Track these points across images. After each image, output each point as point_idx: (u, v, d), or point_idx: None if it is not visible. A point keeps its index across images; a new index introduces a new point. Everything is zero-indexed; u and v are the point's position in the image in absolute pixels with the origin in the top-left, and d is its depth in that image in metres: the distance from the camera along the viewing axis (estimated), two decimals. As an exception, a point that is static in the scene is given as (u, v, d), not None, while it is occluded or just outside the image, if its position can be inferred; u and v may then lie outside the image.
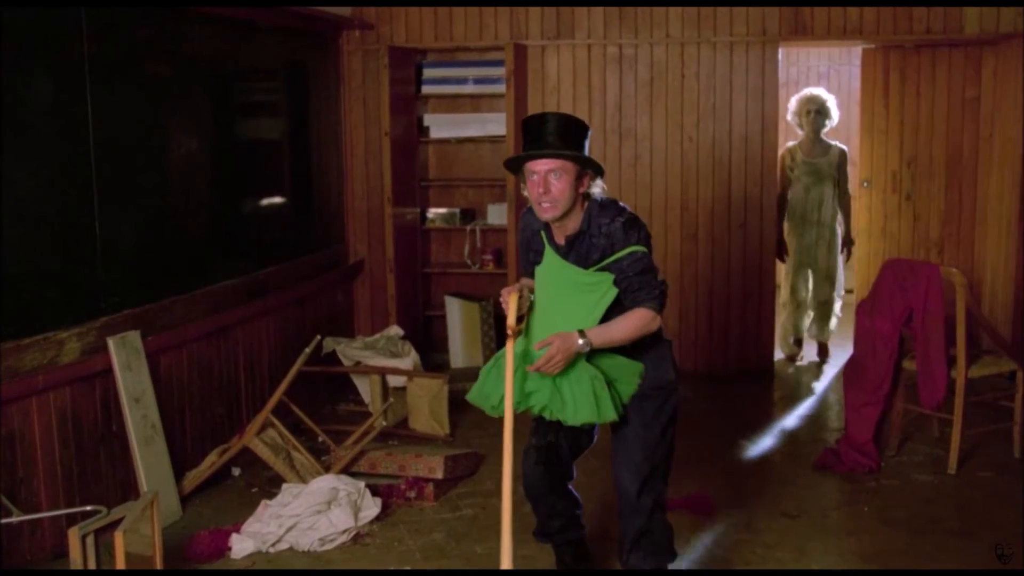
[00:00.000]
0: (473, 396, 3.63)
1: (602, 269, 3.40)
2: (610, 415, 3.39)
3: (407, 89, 7.11)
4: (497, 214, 7.17)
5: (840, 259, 7.27)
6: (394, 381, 6.04)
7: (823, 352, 7.51)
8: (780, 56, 6.93)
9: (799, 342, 7.47)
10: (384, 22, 7.14)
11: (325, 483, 4.57)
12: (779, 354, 7.42)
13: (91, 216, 4.36)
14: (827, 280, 7.22)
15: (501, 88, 6.93)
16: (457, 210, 7.29)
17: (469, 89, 7.18)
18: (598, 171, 3.44)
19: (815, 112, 7.11)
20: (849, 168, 7.23)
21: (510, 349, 3.38)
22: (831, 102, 7.18)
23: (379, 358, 6.13)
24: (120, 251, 4.55)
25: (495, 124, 7.13)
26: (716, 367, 7.10)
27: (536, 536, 4.00)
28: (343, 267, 7.13)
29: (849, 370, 5.48)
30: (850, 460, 5.18)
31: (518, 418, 3.40)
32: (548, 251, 3.52)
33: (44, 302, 4.13)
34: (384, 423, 5.31)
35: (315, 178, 6.72)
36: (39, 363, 4.05)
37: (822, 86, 10.30)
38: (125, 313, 4.59)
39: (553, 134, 3.33)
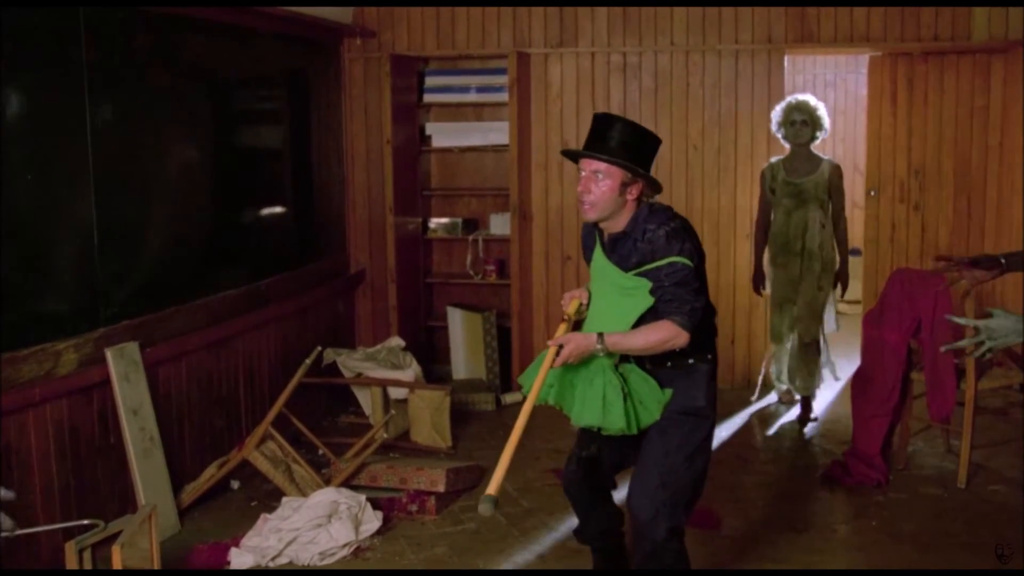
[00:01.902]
0: (523, 378, 3.66)
1: (640, 275, 3.39)
2: (616, 425, 3.37)
3: (409, 97, 7.12)
4: (500, 224, 7.17)
5: (831, 296, 6.20)
6: (395, 393, 6.03)
7: (806, 410, 6.29)
8: (786, 64, 6.94)
9: (790, 390, 6.55)
10: (386, 29, 7.16)
11: (325, 496, 4.57)
12: (773, 396, 6.77)
13: (89, 225, 4.37)
14: (813, 319, 6.12)
15: (504, 97, 6.94)
16: (459, 220, 7.29)
17: (472, 98, 7.18)
18: (653, 186, 3.46)
19: (800, 123, 6.06)
20: (856, 177, 7.14)
21: (550, 356, 3.35)
22: (821, 110, 6.12)
23: (380, 369, 6.13)
24: (118, 261, 4.56)
25: (498, 133, 7.13)
26: (722, 377, 7.07)
27: (575, 535, 4.01)
28: (344, 277, 7.13)
29: (856, 382, 5.47)
30: (858, 473, 5.17)
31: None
32: (598, 249, 3.57)
33: (41, 313, 4.14)
34: (385, 435, 5.30)
35: (316, 187, 6.72)
36: (36, 375, 4.05)
37: (829, 94, 10.33)
38: (123, 324, 4.59)
39: (615, 138, 3.36)
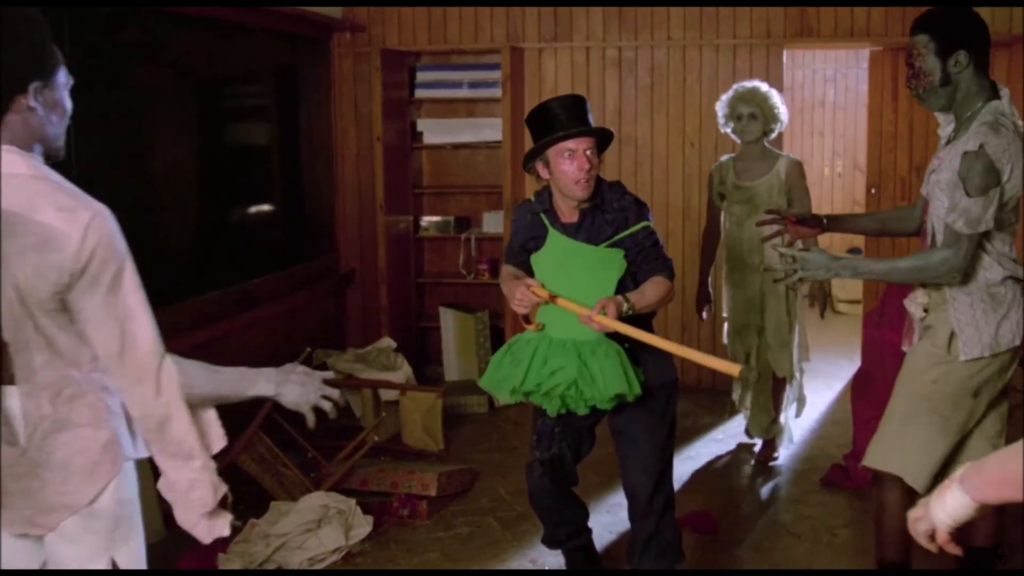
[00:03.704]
0: (486, 382, 3.68)
1: (614, 244, 3.54)
2: (636, 388, 3.48)
3: (400, 93, 7.11)
4: (493, 222, 7.17)
5: (799, 322, 5.40)
6: (386, 395, 6.03)
7: (767, 449, 5.61)
8: (785, 59, 6.94)
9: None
10: (376, 24, 7.16)
11: (315, 501, 4.56)
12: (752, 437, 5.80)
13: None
14: (782, 349, 5.35)
15: (497, 92, 6.94)
16: (451, 218, 7.29)
17: (464, 93, 7.18)
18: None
19: (748, 116, 5.22)
20: (856, 175, 7.10)
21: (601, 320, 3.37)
22: (773, 99, 5.27)
23: (371, 371, 6.12)
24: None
25: (491, 129, 7.13)
26: (721, 378, 7.08)
27: (545, 543, 4.07)
28: (334, 277, 7.12)
29: (857, 383, 5.47)
30: (859, 476, 5.16)
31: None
32: (553, 234, 3.62)
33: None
34: (376, 438, 5.30)
35: (305, 185, 6.72)
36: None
37: (829, 90, 10.33)
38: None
39: (582, 113, 3.53)
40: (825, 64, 10.32)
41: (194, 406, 2.43)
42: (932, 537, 1.93)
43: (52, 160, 2.38)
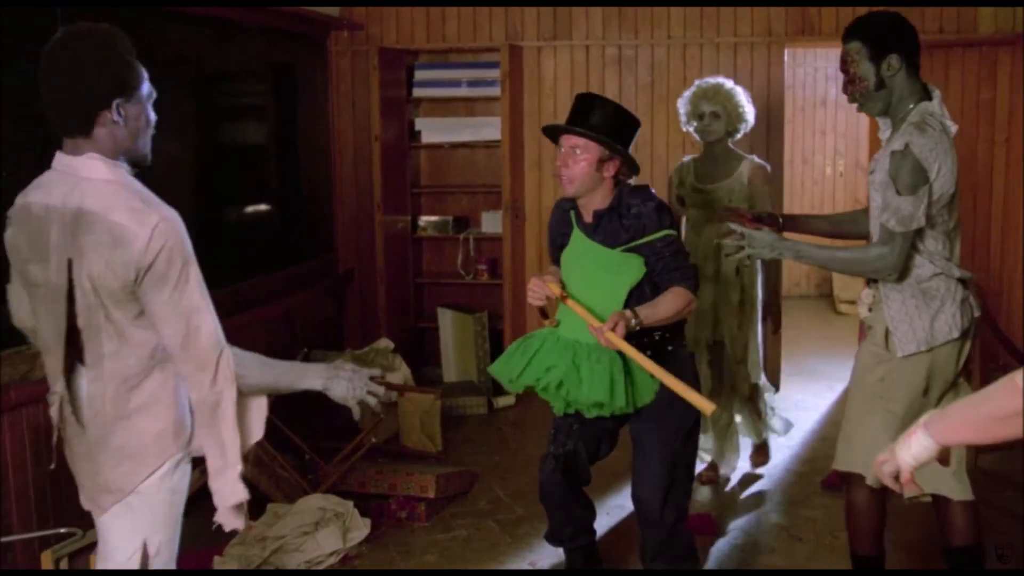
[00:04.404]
0: (494, 368, 3.75)
1: (631, 250, 3.52)
2: (619, 402, 3.47)
3: (398, 92, 7.11)
4: (492, 222, 7.16)
5: (759, 333, 5.19)
6: (384, 396, 6.02)
7: (761, 455, 5.53)
8: (786, 57, 6.94)
9: (714, 466, 5.37)
10: (374, 22, 7.15)
11: (312, 503, 4.56)
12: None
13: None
14: (738, 365, 5.15)
15: (496, 91, 6.94)
16: (450, 218, 7.29)
17: (463, 92, 7.18)
18: (631, 165, 3.61)
19: (711, 115, 4.94)
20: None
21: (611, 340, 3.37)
22: (738, 97, 4.99)
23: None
24: (97, 261, 4.53)
25: (490, 128, 7.13)
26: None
27: (548, 540, 4.09)
28: (331, 277, 7.12)
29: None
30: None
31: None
32: (576, 232, 3.67)
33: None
34: (374, 440, 5.29)
35: (302, 184, 6.71)
36: (11, 378, 4.03)
37: (830, 88, 10.33)
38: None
39: (594, 116, 3.51)
40: (826, 63, 10.31)
41: (249, 395, 2.68)
42: (896, 478, 2.13)
43: (140, 167, 2.66)
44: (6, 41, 4.03)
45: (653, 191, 3.64)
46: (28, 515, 4.15)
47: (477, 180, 7.38)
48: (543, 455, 3.85)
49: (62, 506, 4.32)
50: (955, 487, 3.56)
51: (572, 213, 3.70)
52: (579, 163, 3.51)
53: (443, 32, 7.14)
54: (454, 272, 7.37)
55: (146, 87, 2.63)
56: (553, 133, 3.63)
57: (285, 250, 6.39)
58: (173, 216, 2.51)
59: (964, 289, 3.47)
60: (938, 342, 3.40)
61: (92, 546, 3.42)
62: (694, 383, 3.66)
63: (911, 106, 3.43)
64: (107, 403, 2.53)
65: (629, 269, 3.54)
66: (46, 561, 3.39)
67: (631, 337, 3.37)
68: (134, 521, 2.60)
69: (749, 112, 5.02)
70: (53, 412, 2.63)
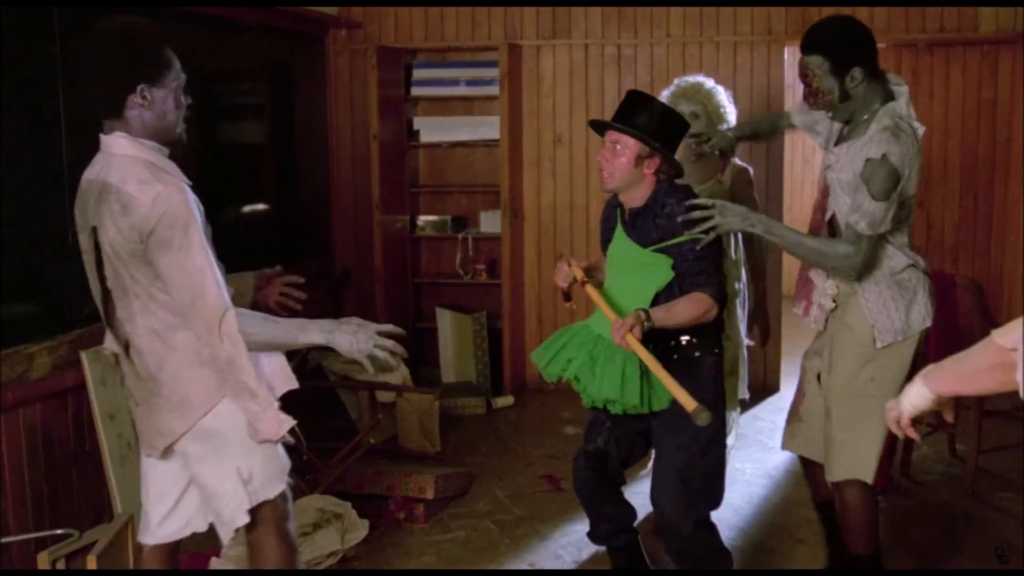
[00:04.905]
0: (535, 354, 3.79)
1: (661, 251, 3.53)
2: (631, 401, 3.47)
3: (396, 91, 7.12)
4: (490, 222, 7.17)
5: (743, 347, 5.10)
6: (383, 397, 6.03)
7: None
8: (786, 57, 6.95)
9: None
10: (372, 21, 7.16)
11: (310, 504, 4.57)
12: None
13: (63, 222, 4.35)
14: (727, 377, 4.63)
15: (495, 90, 6.94)
16: (448, 218, 7.29)
17: (461, 91, 7.19)
18: (673, 165, 3.62)
19: (690, 115, 4.58)
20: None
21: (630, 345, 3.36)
22: (719, 97, 4.77)
23: (367, 373, 6.11)
24: (94, 260, 4.54)
25: (488, 127, 7.14)
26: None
27: (590, 539, 4.08)
28: (329, 277, 7.12)
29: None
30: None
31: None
32: (618, 228, 3.71)
33: (13, 314, 4.12)
34: (372, 440, 5.30)
35: (300, 184, 6.72)
36: (7, 378, 4.03)
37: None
38: (99, 326, 4.55)
39: (638, 114, 3.58)
40: (827, 62, 10.31)
41: (258, 352, 2.93)
42: (898, 423, 2.39)
43: (174, 146, 2.94)
44: (5, 40, 4.03)
45: (692, 190, 3.66)
46: (24, 516, 4.15)
47: (476, 180, 7.39)
48: (576, 452, 3.89)
49: (58, 508, 4.33)
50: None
51: (618, 209, 3.73)
52: (619, 158, 3.57)
53: (442, 31, 7.15)
54: (453, 272, 7.37)
55: (172, 74, 2.89)
56: (598, 126, 3.73)
57: (282, 250, 6.39)
58: (175, 185, 2.79)
59: (929, 280, 3.59)
60: (914, 331, 3.52)
61: (89, 547, 3.43)
62: (716, 392, 3.64)
63: (876, 107, 3.46)
64: (148, 356, 2.84)
65: (658, 270, 3.54)
66: (42, 562, 3.39)
67: (648, 339, 3.35)
68: (215, 456, 2.92)
69: (730, 112, 4.80)
70: (114, 366, 3.05)
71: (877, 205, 3.32)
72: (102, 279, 2.88)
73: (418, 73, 7.23)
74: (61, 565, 3.42)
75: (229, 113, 5.97)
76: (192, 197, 2.83)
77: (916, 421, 2.36)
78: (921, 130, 3.46)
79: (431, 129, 7.30)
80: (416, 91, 7.23)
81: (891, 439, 5.20)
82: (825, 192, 3.64)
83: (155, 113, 2.86)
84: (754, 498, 5.18)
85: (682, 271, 3.51)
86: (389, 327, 3.05)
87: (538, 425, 6.39)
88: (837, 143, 3.58)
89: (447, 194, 7.46)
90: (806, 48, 3.49)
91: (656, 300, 3.53)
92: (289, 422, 2.91)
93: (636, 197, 3.62)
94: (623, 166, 3.57)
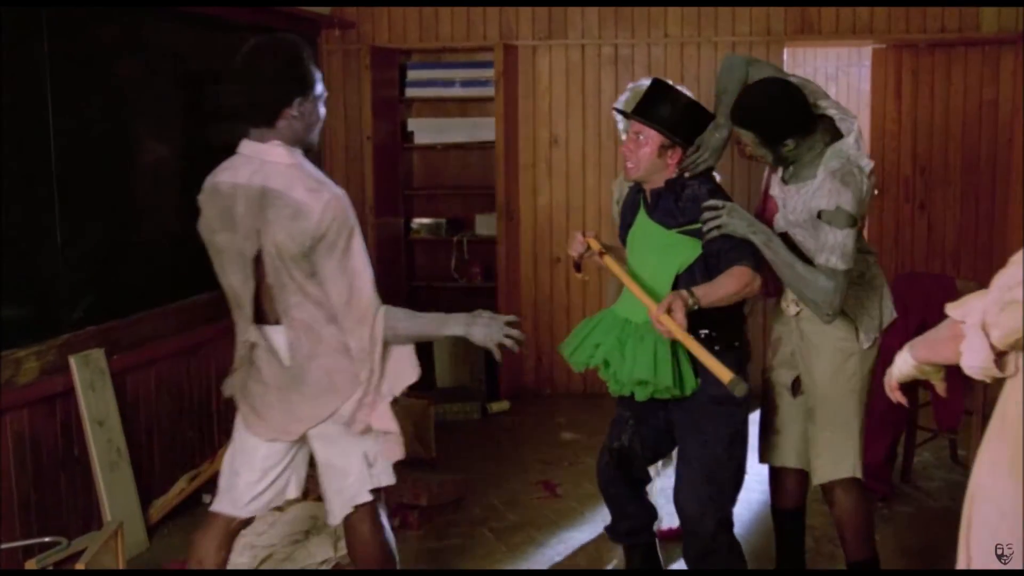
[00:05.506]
0: (562, 345, 3.79)
1: (688, 233, 3.54)
2: (665, 382, 3.45)
3: (390, 92, 7.11)
4: (486, 224, 7.16)
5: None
6: (376, 402, 6.01)
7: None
8: (785, 57, 6.95)
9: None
10: (366, 21, 7.15)
11: (303, 511, 4.55)
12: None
13: (52, 226, 4.34)
14: None
15: (490, 91, 6.94)
16: (443, 220, 7.28)
17: (456, 92, 7.18)
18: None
19: None
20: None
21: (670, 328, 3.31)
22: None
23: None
24: (83, 264, 4.53)
25: (484, 129, 7.13)
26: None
27: (608, 534, 4.07)
28: (322, 281, 7.10)
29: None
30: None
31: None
32: (641, 211, 3.72)
33: (0, 318, 4.11)
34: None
35: (292, 186, 6.69)
36: (-4, 383, 4.02)
37: (830, 88, 10.32)
38: (88, 330, 4.56)
39: (662, 106, 3.59)
40: (827, 62, 10.32)
41: (398, 344, 3.21)
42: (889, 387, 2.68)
43: (310, 152, 3.18)
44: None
45: (715, 175, 3.69)
46: (12, 524, 4.14)
47: (471, 182, 7.38)
48: (601, 448, 3.88)
49: (47, 515, 4.32)
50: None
51: (642, 196, 3.75)
52: (642, 148, 3.59)
53: (436, 31, 7.14)
54: (448, 275, 7.36)
55: (319, 87, 3.13)
56: (624, 115, 3.76)
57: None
58: (341, 194, 3.03)
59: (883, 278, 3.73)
60: (887, 322, 3.68)
61: (78, 555, 3.41)
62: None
63: (820, 147, 3.47)
64: (300, 346, 3.07)
65: (682, 251, 3.55)
66: (31, 570, 3.38)
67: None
68: (347, 440, 3.21)
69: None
70: (242, 356, 3.19)
71: (845, 234, 3.34)
72: (258, 276, 3.08)
73: (412, 74, 7.22)
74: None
75: (222, 114, 5.95)
76: (350, 203, 3.07)
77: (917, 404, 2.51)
78: (869, 166, 3.45)
79: (426, 130, 7.29)
80: (410, 92, 7.22)
81: (891, 445, 5.23)
82: (770, 201, 3.68)
83: (304, 123, 3.10)
84: (752, 504, 5.17)
85: (712, 250, 3.51)
86: (513, 318, 3.25)
87: (534, 430, 6.38)
88: (785, 180, 3.58)
89: (442, 196, 7.45)
90: (735, 120, 3.49)
91: (676, 284, 3.53)
92: (394, 427, 3.26)
93: (658, 179, 3.65)
94: (646, 156, 3.59)
